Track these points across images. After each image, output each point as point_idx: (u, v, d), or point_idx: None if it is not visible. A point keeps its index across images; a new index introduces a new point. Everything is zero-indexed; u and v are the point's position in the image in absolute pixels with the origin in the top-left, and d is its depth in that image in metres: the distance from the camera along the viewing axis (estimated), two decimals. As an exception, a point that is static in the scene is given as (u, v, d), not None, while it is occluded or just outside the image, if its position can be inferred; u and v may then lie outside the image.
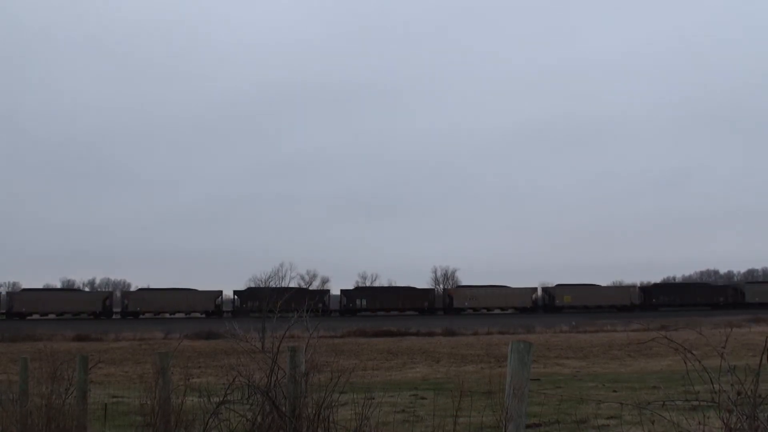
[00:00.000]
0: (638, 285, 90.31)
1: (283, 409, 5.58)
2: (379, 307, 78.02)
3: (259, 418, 5.70)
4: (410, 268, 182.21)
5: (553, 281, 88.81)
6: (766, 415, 3.53)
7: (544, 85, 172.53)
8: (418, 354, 30.69)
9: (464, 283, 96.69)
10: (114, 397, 12.29)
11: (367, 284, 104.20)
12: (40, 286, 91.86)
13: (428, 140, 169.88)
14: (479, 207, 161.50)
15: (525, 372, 3.95)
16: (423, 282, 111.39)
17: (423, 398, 13.41)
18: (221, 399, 6.06)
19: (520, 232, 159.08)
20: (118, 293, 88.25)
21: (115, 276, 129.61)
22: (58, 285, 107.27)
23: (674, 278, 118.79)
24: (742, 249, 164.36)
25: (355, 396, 5.87)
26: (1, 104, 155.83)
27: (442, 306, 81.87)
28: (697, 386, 3.83)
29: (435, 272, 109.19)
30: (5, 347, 35.82)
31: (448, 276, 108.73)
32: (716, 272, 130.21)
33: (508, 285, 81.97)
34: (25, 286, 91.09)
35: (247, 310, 74.78)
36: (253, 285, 69.05)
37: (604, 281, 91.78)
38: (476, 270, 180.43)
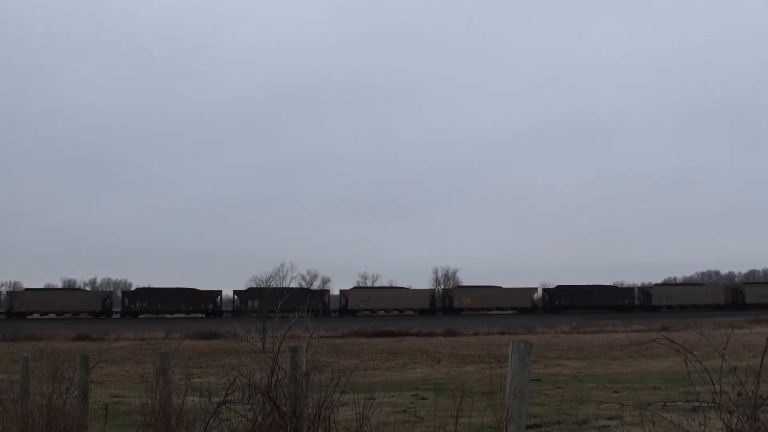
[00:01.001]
0: (540, 287, 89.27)
1: (284, 409, 5.58)
2: (378, 307, 78.01)
3: (259, 418, 5.70)
4: (411, 269, 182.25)
5: (554, 282, 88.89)
6: (766, 416, 3.53)
7: (545, 86, 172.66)
8: (418, 354, 30.69)
9: (465, 283, 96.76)
10: (115, 396, 12.31)
11: (368, 284, 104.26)
12: (42, 286, 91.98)
13: (429, 140, 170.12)
14: (480, 207, 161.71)
15: (526, 372, 3.95)
16: (423, 282, 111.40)
17: (424, 398, 13.41)
18: (222, 399, 6.07)
19: (521, 232, 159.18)
20: (118, 293, 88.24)
21: (117, 276, 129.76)
22: (60, 285, 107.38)
23: (675, 279, 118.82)
24: (743, 250, 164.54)
25: (355, 396, 5.87)
26: (5, 104, 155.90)
27: (442, 306, 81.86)
28: (698, 387, 3.83)
29: (436, 272, 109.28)
30: (6, 347, 35.85)
31: (448, 276, 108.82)
32: (717, 273, 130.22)
33: (503, 286, 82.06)
34: (26, 285, 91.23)
35: (247, 310, 74.85)
36: (254, 285, 69.12)
37: (604, 282, 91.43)
38: (477, 270, 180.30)
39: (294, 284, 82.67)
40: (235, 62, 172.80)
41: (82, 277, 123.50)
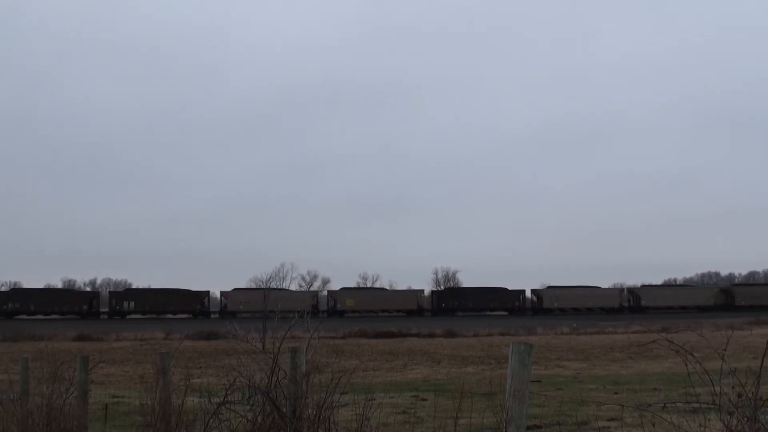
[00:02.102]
0: (430, 289, 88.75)
1: (284, 409, 5.58)
2: (368, 308, 77.66)
3: (259, 419, 5.70)
4: (411, 270, 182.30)
5: (554, 283, 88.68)
6: (766, 417, 3.53)
7: (545, 87, 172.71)
8: (418, 355, 30.68)
9: (465, 284, 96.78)
10: (115, 397, 12.31)
11: (368, 285, 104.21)
12: (41, 286, 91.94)
13: (432, 141, 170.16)
14: (481, 208, 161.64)
15: (525, 373, 3.95)
16: (423, 283, 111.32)
17: (424, 399, 13.41)
18: (222, 399, 6.07)
19: (522, 232, 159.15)
20: (105, 293, 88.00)
21: (117, 276, 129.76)
22: (59, 285, 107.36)
23: (675, 280, 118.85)
24: (743, 251, 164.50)
25: (355, 397, 5.87)
26: (10, 105, 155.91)
27: (432, 308, 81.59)
28: (697, 388, 3.83)
29: (436, 273, 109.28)
30: (6, 347, 35.85)
31: (448, 277, 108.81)
32: (717, 274, 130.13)
33: (504, 287, 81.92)
34: (26, 285, 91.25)
35: (233, 311, 74.84)
36: (254, 285, 69.04)
37: (604, 283, 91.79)
38: (478, 272, 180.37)
39: (294, 285, 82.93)
40: (239, 63, 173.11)
41: (82, 277, 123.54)
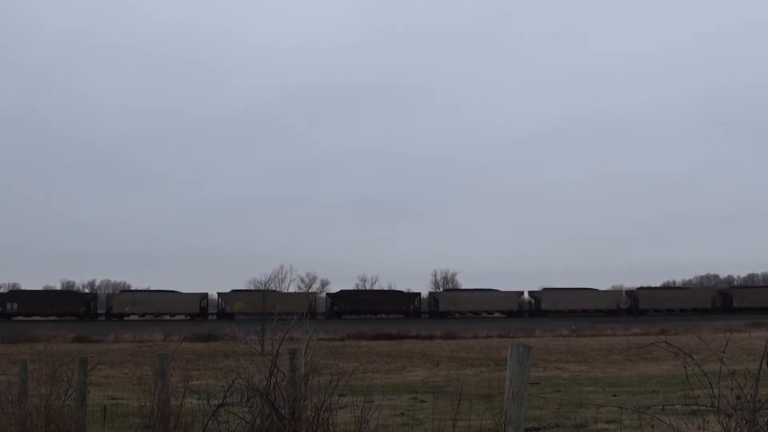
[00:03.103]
0: (326, 293, 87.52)
1: (283, 411, 5.58)
2: (364, 310, 77.18)
3: (258, 421, 5.70)
4: (411, 271, 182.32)
5: (554, 284, 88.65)
6: (765, 419, 3.53)
7: (547, 89, 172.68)
8: (417, 357, 30.68)
9: (464, 286, 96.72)
10: (113, 398, 12.30)
11: (367, 287, 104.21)
12: (40, 287, 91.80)
13: (432, 143, 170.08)
14: (482, 210, 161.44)
15: (524, 375, 3.95)
16: (423, 285, 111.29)
17: (422, 401, 13.41)
18: (220, 401, 6.07)
19: (522, 234, 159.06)
20: (103, 295, 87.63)
21: (116, 277, 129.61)
22: (58, 286, 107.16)
23: (674, 282, 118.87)
24: (743, 254, 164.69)
25: (354, 399, 5.87)
26: (13, 105, 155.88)
27: (428, 309, 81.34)
28: (696, 390, 3.83)
29: (435, 275, 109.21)
30: (5, 348, 35.83)
31: (447, 279, 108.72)
32: (716, 276, 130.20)
33: (499, 289, 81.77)
34: (24, 287, 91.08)
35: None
36: (253, 287, 68.95)
37: (603, 285, 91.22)
38: (478, 273, 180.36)
39: (293, 287, 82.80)
40: (242, 64, 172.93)
41: (81, 278, 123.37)
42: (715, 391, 3.64)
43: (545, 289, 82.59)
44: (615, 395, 14.65)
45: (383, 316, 75.87)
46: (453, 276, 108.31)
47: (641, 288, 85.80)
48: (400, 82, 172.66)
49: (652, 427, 4.62)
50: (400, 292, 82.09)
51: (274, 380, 5.71)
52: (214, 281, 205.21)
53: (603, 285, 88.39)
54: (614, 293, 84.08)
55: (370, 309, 77.01)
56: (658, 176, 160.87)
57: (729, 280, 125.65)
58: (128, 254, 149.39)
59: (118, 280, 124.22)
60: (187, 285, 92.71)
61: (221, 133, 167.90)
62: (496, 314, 78.26)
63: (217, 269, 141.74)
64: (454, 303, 79.02)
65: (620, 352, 30.75)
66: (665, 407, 5.24)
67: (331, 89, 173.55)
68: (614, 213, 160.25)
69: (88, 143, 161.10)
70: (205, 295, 79.60)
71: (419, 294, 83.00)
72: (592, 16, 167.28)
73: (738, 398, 3.58)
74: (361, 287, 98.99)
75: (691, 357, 3.85)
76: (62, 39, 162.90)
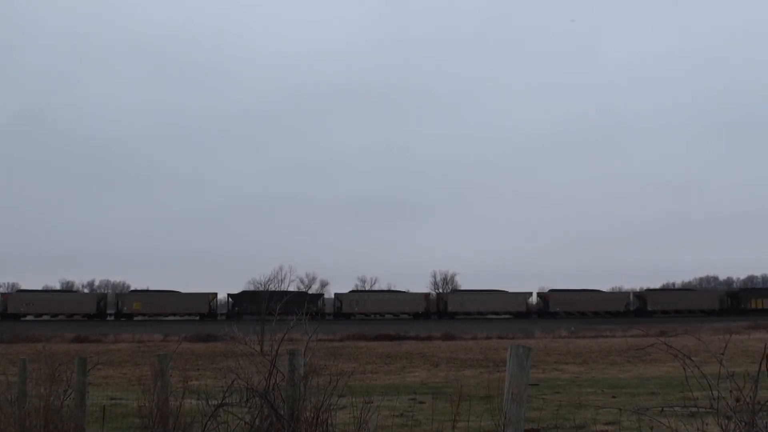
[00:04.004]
0: (226, 293, 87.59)
1: (282, 412, 5.58)
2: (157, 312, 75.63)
3: (257, 421, 5.70)
4: (411, 272, 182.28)
5: (554, 286, 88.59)
6: (764, 421, 3.53)
7: (551, 91, 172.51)
8: (416, 358, 30.67)
9: (464, 287, 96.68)
10: (112, 399, 12.30)
11: (366, 288, 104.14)
12: (40, 288, 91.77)
13: (432, 143, 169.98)
14: (484, 211, 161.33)
15: (524, 377, 3.95)
16: (422, 286, 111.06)
17: (422, 402, 13.40)
18: (220, 401, 6.06)
19: (523, 235, 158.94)
20: (111, 295, 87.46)
21: (115, 278, 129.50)
22: (58, 286, 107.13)
23: (674, 284, 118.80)
24: (742, 255, 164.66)
25: (353, 400, 5.87)
26: (17, 107, 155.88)
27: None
28: (696, 392, 3.83)
29: (434, 276, 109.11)
30: (4, 348, 35.81)
31: (447, 280, 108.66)
32: (715, 278, 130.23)
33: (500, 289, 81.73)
34: (24, 287, 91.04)
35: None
36: (252, 288, 68.86)
37: (604, 286, 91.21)
38: (479, 274, 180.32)
39: (293, 287, 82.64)
40: (247, 65, 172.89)
41: (80, 278, 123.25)
42: (715, 393, 3.64)
43: (553, 291, 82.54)
44: (614, 396, 14.65)
45: (391, 316, 75.64)
46: (452, 277, 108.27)
47: (649, 290, 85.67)
48: (400, 83, 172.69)
49: (651, 428, 4.63)
50: (304, 293, 79.19)
51: (274, 381, 5.71)
52: (214, 281, 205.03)
53: (602, 286, 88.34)
54: (622, 295, 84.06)
55: (378, 310, 76.70)
56: (658, 178, 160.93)
57: (728, 281, 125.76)
58: (128, 254, 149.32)
59: (118, 280, 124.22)
60: (187, 285, 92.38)
61: (222, 133, 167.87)
62: (504, 315, 78.11)
63: (217, 270, 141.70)
64: (462, 304, 78.99)
65: (620, 353, 30.75)
66: (664, 409, 5.25)
67: (332, 90, 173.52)
68: (614, 214, 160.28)
69: (88, 143, 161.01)
70: (104, 295, 79.30)
71: (323, 294, 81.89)
72: (593, 18, 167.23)
73: (737, 400, 3.58)
74: (360, 288, 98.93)
75: (691, 359, 3.86)
76: (63, 39, 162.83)
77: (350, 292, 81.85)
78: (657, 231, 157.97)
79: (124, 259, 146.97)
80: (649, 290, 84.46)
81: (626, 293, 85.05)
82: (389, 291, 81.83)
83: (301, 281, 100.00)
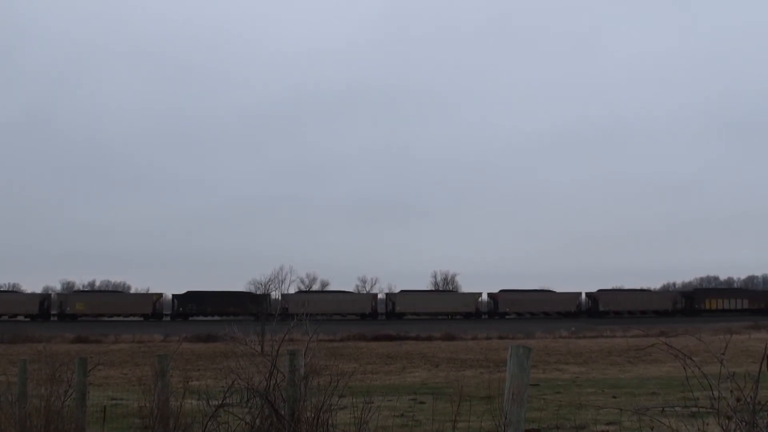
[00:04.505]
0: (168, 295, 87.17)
1: (282, 412, 5.58)
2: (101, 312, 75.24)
3: (258, 422, 5.70)
4: (411, 273, 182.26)
5: (554, 286, 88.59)
6: (765, 421, 3.53)
7: (549, 91, 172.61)
8: (417, 358, 30.67)
9: (463, 287, 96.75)
10: (113, 399, 12.29)
11: (367, 288, 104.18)
12: (39, 289, 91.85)
13: (432, 144, 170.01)
14: (483, 211, 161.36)
15: (524, 377, 3.95)
16: (422, 286, 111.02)
17: (422, 402, 13.39)
18: (220, 402, 6.06)
19: (523, 236, 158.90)
20: (54, 295, 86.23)
21: (115, 278, 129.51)
22: (58, 287, 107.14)
23: (674, 284, 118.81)
24: (741, 256, 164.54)
25: (354, 400, 5.87)
26: (17, 108, 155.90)
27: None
28: (696, 392, 3.83)
29: (434, 276, 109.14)
30: (4, 349, 35.82)
31: (447, 280, 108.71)
32: (716, 278, 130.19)
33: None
34: (24, 288, 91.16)
35: (185, 313, 74.02)
36: (251, 289, 68.50)
37: (607, 286, 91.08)
38: (479, 274, 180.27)
39: (293, 288, 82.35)
40: (246, 66, 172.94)
41: (80, 279, 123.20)
42: (715, 393, 3.64)
43: (503, 291, 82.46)
44: (615, 397, 14.65)
45: (339, 317, 73.09)
46: (453, 277, 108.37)
47: (601, 290, 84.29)
48: (399, 83, 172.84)
49: (652, 429, 4.62)
50: (250, 294, 79.47)
51: (274, 381, 5.71)
52: (214, 281, 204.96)
53: (602, 286, 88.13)
54: (573, 295, 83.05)
55: (215, 311, 74.72)
56: (659, 178, 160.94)
57: (728, 281, 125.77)
58: (128, 254, 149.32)
59: (118, 281, 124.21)
60: (188, 285, 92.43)
61: (222, 133, 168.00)
62: (554, 315, 77.64)
63: (218, 269, 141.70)
64: (513, 304, 78.76)
65: (620, 353, 30.74)
66: (665, 409, 5.25)
67: (332, 90, 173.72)
68: (614, 214, 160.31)
69: (88, 143, 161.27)
70: (47, 296, 79.01)
71: (269, 295, 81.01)
72: (593, 18, 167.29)
73: (738, 400, 3.58)
74: (360, 288, 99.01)
75: (691, 359, 3.86)
76: (64, 40, 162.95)
77: (297, 293, 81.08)
78: (657, 231, 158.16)
79: (125, 260, 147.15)
80: (601, 290, 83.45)
81: (578, 293, 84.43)
82: (541, 290, 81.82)
83: (302, 281, 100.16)
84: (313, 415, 5.52)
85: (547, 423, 9.43)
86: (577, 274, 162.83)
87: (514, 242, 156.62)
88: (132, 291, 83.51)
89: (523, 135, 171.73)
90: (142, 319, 73.15)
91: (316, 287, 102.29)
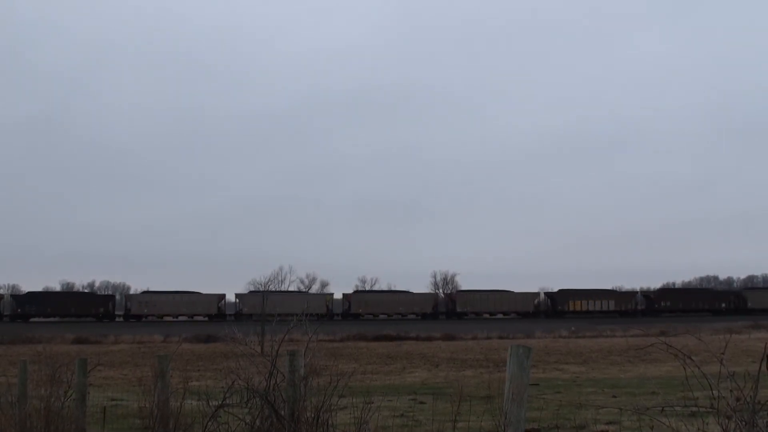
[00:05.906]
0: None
1: (282, 412, 5.58)
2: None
3: (257, 422, 5.69)
4: (411, 273, 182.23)
5: (555, 286, 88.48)
6: (765, 421, 3.53)
7: (549, 94, 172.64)
8: (417, 358, 30.67)
9: (464, 287, 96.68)
10: (113, 400, 12.29)
11: (367, 288, 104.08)
12: (39, 289, 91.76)
13: (435, 147, 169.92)
14: (483, 211, 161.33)
15: (524, 377, 3.95)
16: (422, 287, 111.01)
17: (422, 402, 13.39)
18: (220, 402, 6.06)
19: (523, 236, 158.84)
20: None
21: (115, 279, 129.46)
22: (58, 287, 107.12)
23: (673, 284, 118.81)
24: (743, 255, 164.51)
25: (354, 400, 5.87)
26: (21, 109, 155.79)
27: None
28: (696, 392, 3.83)
29: (434, 276, 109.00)
30: (4, 349, 35.80)
31: (447, 280, 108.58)
32: (716, 278, 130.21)
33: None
34: (25, 288, 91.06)
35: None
36: (252, 288, 68.79)
37: (607, 286, 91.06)
38: (479, 275, 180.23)
39: (293, 288, 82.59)
40: (256, 68, 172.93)
41: (81, 280, 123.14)
42: (715, 392, 3.64)
43: (460, 291, 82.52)
44: (615, 396, 14.65)
45: (399, 317, 75.65)
46: (453, 277, 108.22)
47: (561, 290, 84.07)
48: (405, 86, 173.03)
49: (652, 428, 4.63)
50: (201, 294, 78.67)
51: (274, 381, 5.71)
52: (215, 282, 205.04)
53: (603, 286, 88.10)
54: (531, 295, 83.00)
55: (169, 312, 75.23)
56: (661, 179, 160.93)
57: (729, 281, 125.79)
58: (128, 255, 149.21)
59: (118, 281, 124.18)
60: (188, 286, 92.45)
61: (230, 135, 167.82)
62: (512, 315, 77.87)
63: (218, 270, 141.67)
64: (470, 304, 78.99)
65: (620, 353, 30.75)
66: (665, 408, 5.25)
67: (341, 92, 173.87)
68: (616, 214, 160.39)
69: (92, 145, 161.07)
70: (224, 296, 79.44)
71: (225, 295, 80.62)
72: (601, 21, 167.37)
73: (738, 400, 3.58)
74: (360, 288, 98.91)
75: (691, 358, 3.86)
76: (74, 42, 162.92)
77: (459, 291, 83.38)
78: (658, 231, 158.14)
79: (124, 260, 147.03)
80: (561, 290, 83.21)
81: (536, 293, 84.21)
82: (498, 291, 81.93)
83: (302, 281, 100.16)
84: (313, 416, 5.52)
85: (547, 423, 9.42)
86: (577, 274, 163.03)
87: (515, 242, 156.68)
88: (131, 291, 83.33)
89: (527, 138, 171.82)
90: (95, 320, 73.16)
91: (316, 287, 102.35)
